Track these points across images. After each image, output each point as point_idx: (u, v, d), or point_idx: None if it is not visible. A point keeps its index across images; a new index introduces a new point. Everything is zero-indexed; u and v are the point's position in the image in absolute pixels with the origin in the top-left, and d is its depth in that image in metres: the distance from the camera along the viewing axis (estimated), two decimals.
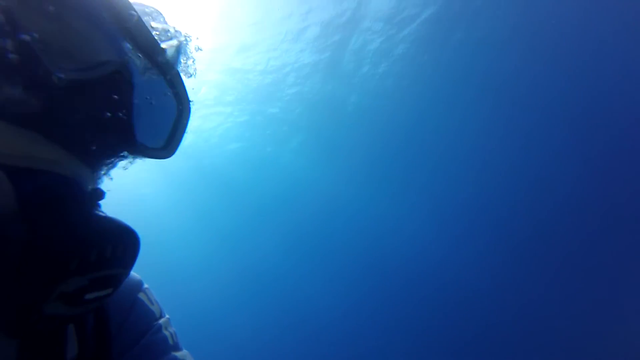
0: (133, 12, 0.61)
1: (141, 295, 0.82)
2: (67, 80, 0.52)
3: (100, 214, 0.57)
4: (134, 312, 0.78)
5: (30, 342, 0.55)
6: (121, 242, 0.56)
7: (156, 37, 0.67)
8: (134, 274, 0.84)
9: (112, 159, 0.69)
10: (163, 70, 0.71)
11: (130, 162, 0.77)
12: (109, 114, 0.59)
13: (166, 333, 0.80)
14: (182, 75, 0.77)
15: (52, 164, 0.52)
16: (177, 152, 0.83)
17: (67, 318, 0.52)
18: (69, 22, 0.56)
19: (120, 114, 0.61)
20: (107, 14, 0.59)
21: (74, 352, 0.60)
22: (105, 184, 0.71)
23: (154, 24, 0.72)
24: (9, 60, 0.48)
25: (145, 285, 0.86)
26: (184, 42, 0.77)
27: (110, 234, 0.54)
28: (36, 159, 0.50)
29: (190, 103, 0.81)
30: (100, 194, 0.59)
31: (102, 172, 0.68)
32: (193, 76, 0.86)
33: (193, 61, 0.84)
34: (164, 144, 0.79)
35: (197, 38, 0.87)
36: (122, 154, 0.70)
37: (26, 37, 0.48)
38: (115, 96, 0.60)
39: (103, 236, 0.53)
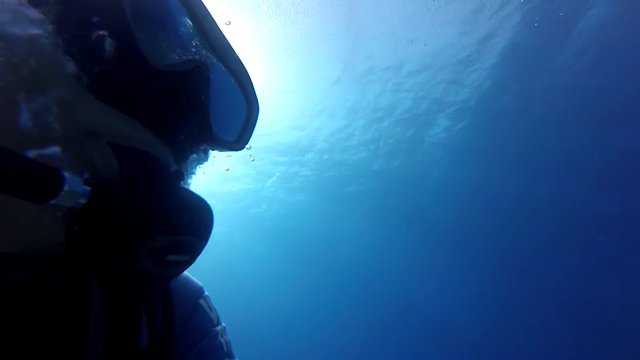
0: (209, 15, 0.71)
1: (202, 302, 0.86)
2: (161, 71, 0.61)
3: (181, 188, 0.65)
4: (195, 315, 0.82)
5: (121, 299, 0.61)
6: (197, 213, 0.63)
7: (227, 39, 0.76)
8: (196, 280, 0.90)
9: (189, 151, 0.76)
10: (233, 69, 0.79)
11: (200, 164, 0.83)
12: (192, 105, 0.68)
13: (222, 340, 0.83)
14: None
15: (147, 145, 0.60)
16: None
17: (154, 277, 0.60)
18: (163, 23, 0.67)
19: (200, 106, 0.70)
20: (190, 15, 0.69)
21: (144, 342, 0.65)
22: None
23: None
24: (109, 49, 0.56)
25: (206, 293, 0.90)
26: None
27: (188, 204, 0.62)
28: (135, 139, 0.59)
29: (259, 102, 0.89)
30: (182, 175, 0.67)
31: (179, 163, 0.74)
32: None
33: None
34: (236, 138, 0.88)
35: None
36: (197, 147, 0.77)
37: (127, 34, 0.58)
38: (197, 89, 0.68)
39: (182, 204, 0.61)
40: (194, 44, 0.72)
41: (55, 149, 0.50)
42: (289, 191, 16.56)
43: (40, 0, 0.54)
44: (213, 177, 14.35)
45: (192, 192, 0.65)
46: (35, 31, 0.52)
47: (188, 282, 0.87)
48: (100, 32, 0.57)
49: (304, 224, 20.07)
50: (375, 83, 10.79)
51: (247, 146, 0.91)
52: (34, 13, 0.53)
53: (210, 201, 0.69)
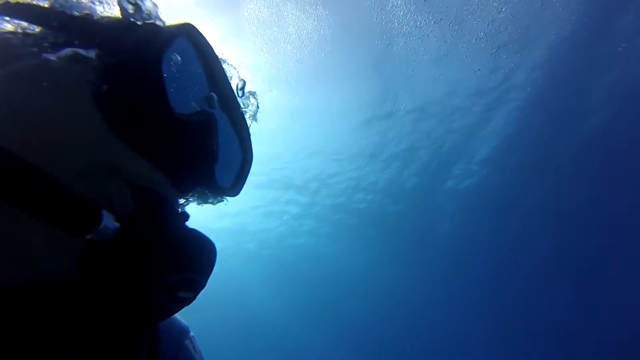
0: (222, 69, 0.83)
1: (187, 342, 0.94)
2: (179, 119, 0.68)
3: (188, 227, 0.69)
4: (179, 356, 0.89)
5: (105, 338, 0.60)
6: (204, 252, 0.67)
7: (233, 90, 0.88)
8: (182, 320, 0.98)
9: (192, 195, 0.88)
10: (236, 120, 0.90)
11: (189, 202, 0.90)
12: (203, 152, 0.76)
13: None
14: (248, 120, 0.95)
15: (159, 186, 0.67)
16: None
17: (164, 313, 0.64)
18: (186, 75, 0.75)
19: (210, 154, 0.78)
20: (205, 69, 0.81)
21: None
22: None
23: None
24: (138, 96, 0.64)
25: (192, 334, 0.99)
26: (240, 84, 0.94)
27: (197, 244, 0.66)
28: (149, 180, 0.65)
29: (253, 153, 0.99)
30: (187, 216, 0.71)
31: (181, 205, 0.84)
32: (256, 121, 1.02)
33: (256, 106, 1.03)
34: (231, 185, 0.95)
35: (251, 81, 1.10)
36: (197, 190, 0.87)
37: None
38: (208, 138, 0.76)
39: (192, 243, 0.65)
40: (208, 95, 0.79)
41: (82, 183, 0.54)
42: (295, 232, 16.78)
43: (81, 58, 0.62)
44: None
45: (199, 232, 0.68)
46: (73, 81, 0.60)
47: (174, 322, 0.94)
48: (133, 80, 0.63)
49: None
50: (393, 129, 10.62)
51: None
52: (75, 66, 0.61)
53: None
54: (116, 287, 0.55)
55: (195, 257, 0.64)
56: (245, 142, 0.95)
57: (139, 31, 0.70)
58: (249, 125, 0.94)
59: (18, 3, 0.66)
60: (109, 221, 0.51)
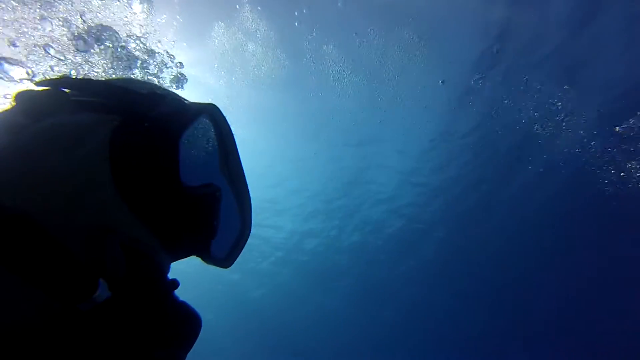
0: (235, 144, 0.86)
1: None
2: (184, 191, 0.70)
3: (177, 299, 0.68)
4: None
5: None
6: (190, 327, 0.66)
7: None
8: None
9: (181, 258, 0.81)
10: (240, 192, 0.91)
11: None
12: (202, 225, 0.76)
13: None
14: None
15: (154, 252, 0.67)
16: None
17: None
18: (201, 149, 0.79)
19: (209, 227, 0.78)
20: (220, 144, 0.85)
21: None
22: None
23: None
24: (151, 164, 0.66)
25: None
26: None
27: (184, 318, 0.65)
28: (144, 245, 0.65)
29: (251, 227, 0.97)
30: (177, 284, 0.70)
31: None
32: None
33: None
34: (225, 256, 0.93)
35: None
36: (188, 257, 0.83)
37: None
38: (210, 211, 0.77)
39: (179, 318, 0.64)
40: (216, 169, 0.84)
41: (81, 241, 0.53)
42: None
43: (106, 121, 0.65)
44: None
45: (187, 305, 0.68)
46: (95, 142, 0.62)
47: None
48: (150, 150, 0.66)
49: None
50: None
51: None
52: (99, 128, 0.64)
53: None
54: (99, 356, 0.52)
55: (182, 333, 0.63)
56: (246, 217, 0.96)
57: (165, 105, 0.74)
58: (250, 198, 0.95)
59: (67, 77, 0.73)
60: (103, 290, 0.49)
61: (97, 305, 0.48)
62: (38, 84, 0.74)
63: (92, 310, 0.49)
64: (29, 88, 0.72)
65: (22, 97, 0.69)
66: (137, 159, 0.64)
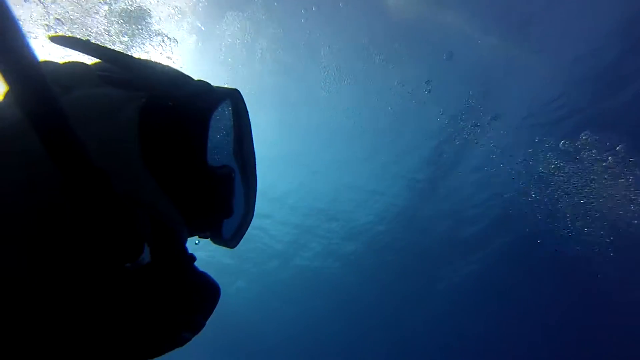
0: (250, 127, 0.90)
1: None
2: (208, 170, 0.74)
3: (198, 270, 0.72)
4: None
5: None
6: (211, 295, 0.70)
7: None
8: None
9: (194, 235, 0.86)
10: (249, 179, 0.96)
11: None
12: (221, 203, 0.81)
13: None
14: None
15: (177, 225, 0.70)
16: None
17: (165, 349, 0.64)
18: (222, 131, 0.84)
19: (226, 204, 0.82)
20: (236, 128, 0.90)
21: None
22: None
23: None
24: (181, 143, 0.69)
25: None
26: None
27: (206, 287, 0.70)
28: (169, 218, 0.69)
29: (254, 210, 1.02)
30: (195, 258, 0.74)
31: None
32: None
33: None
34: (231, 236, 0.99)
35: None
36: (200, 235, 0.88)
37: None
38: (229, 194, 0.82)
39: (202, 287, 0.68)
40: (230, 152, 0.89)
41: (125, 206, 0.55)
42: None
43: (136, 97, 0.67)
44: None
45: (207, 275, 0.72)
46: (126, 116, 0.64)
47: None
48: (179, 128, 0.68)
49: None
50: None
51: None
52: (129, 104, 0.66)
53: None
54: (134, 320, 0.56)
55: (204, 300, 0.67)
56: (250, 202, 1.00)
57: (191, 85, 0.77)
58: (257, 184, 1.00)
59: (95, 44, 0.75)
60: (147, 255, 0.52)
61: (140, 268, 0.52)
62: (52, 38, 0.75)
63: (136, 272, 0.52)
64: (51, 60, 0.74)
65: (48, 68, 0.70)
66: (166, 136, 0.66)
